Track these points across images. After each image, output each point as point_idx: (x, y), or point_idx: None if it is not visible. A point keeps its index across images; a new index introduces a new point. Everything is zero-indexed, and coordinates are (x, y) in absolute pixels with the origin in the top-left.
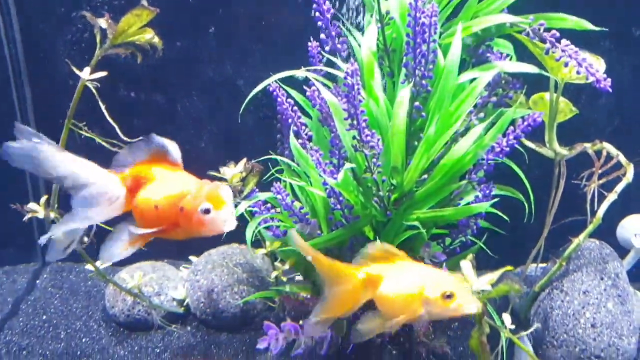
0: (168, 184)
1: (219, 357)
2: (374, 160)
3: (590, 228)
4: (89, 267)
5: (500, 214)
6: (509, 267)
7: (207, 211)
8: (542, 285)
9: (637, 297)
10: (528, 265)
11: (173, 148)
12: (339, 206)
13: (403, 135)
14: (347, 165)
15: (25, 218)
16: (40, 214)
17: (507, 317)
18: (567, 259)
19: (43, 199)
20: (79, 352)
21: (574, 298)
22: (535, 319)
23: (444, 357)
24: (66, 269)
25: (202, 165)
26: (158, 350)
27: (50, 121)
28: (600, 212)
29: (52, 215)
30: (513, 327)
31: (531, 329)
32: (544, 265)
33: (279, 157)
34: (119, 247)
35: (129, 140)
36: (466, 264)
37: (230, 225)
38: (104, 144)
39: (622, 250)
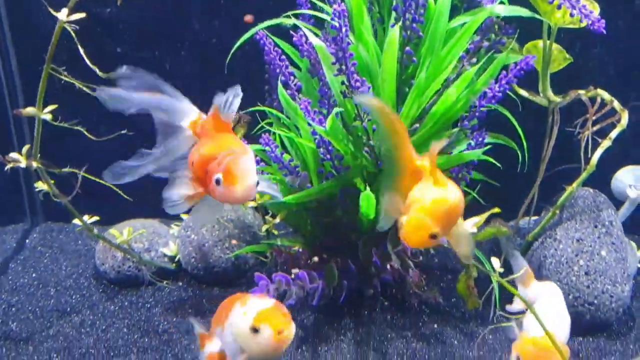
0: (207, 143)
1: (210, 311)
2: (364, 107)
3: (584, 175)
4: (76, 221)
5: (493, 161)
6: (496, 209)
7: (217, 181)
8: (535, 234)
9: (631, 247)
10: (521, 214)
11: (227, 106)
12: (328, 156)
13: (393, 80)
14: (336, 109)
15: (7, 168)
16: (22, 163)
17: (496, 261)
18: (560, 207)
19: (25, 148)
20: (68, 309)
21: (568, 246)
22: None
23: (436, 307)
24: (56, 229)
25: None
26: (149, 306)
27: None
28: (594, 159)
29: (35, 164)
30: (502, 270)
31: (521, 272)
32: (536, 218)
33: (267, 109)
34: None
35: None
36: None
37: (244, 198)
38: (84, 88)
39: (617, 202)
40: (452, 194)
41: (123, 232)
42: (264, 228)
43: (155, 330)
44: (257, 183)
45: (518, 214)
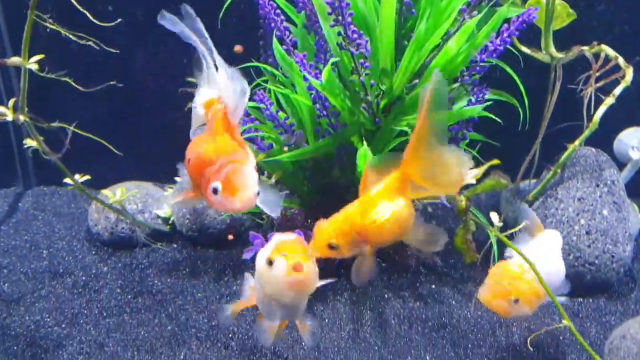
0: (209, 143)
1: (205, 272)
2: (361, 60)
3: (586, 133)
4: (67, 180)
5: (493, 117)
6: (495, 161)
7: (215, 191)
8: (536, 193)
9: (633, 209)
10: (521, 173)
11: (236, 103)
12: (325, 112)
13: (392, 33)
14: (332, 59)
15: None
16: (9, 116)
17: (494, 215)
18: (561, 166)
19: (11, 102)
20: (61, 270)
21: (569, 205)
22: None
23: (433, 268)
24: (49, 193)
25: (181, 74)
26: (142, 267)
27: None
28: (597, 116)
29: (22, 118)
30: (501, 224)
31: (520, 225)
32: (536, 181)
33: (262, 65)
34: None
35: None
36: None
37: (242, 209)
38: (70, 36)
39: (619, 165)
40: (381, 213)
41: (116, 192)
42: None
43: (149, 291)
44: (258, 193)
45: (518, 174)
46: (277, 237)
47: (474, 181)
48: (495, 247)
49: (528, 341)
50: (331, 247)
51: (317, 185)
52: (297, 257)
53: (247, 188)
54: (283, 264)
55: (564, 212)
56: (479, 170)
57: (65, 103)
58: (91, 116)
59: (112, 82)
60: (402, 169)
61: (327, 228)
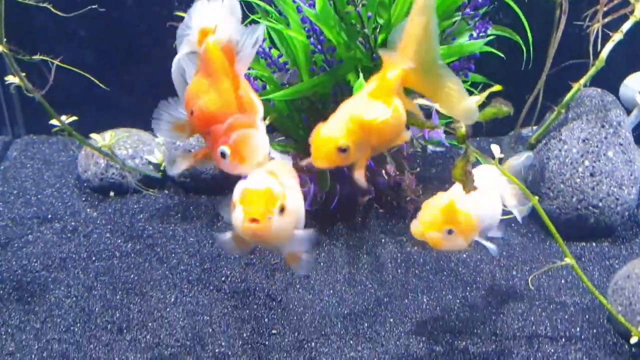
0: (211, 92)
1: (198, 217)
2: None
3: (592, 70)
4: (54, 122)
5: (496, 52)
6: (497, 87)
7: (223, 154)
8: (539, 135)
9: (639, 153)
10: (524, 113)
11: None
12: (319, 47)
13: None
14: None
15: None
16: None
17: (495, 147)
18: (566, 105)
19: None
20: (49, 216)
21: (573, 146)
22: (530, 172)
23: None
24: (38, 142)
25: (171, 10)
26: (133, 212)
27: None
28: (604, 53)
29: (1, 49)
30: (502, 156)
31: (524, 156)
32: (537, 127)
33: (254, 0)
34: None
35: None
36: None
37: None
38: None
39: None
40: (379, 111)
41: (105, 137)
42: None
43: (139, 235)
44: (269, 153)
45: (520, 117)
46: (251, 180)
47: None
48: None
49: (529, 281)
50: (341, 150)
51: (313, 128)
52: (258, 210)
53: (257, 154)
54: (240, 214)
55: (567, 153)
56: (480, 97)
57: (54, 51)
58: (80, 63)
59: (93, 6)
60: (398, 69)
61: (334, 129)
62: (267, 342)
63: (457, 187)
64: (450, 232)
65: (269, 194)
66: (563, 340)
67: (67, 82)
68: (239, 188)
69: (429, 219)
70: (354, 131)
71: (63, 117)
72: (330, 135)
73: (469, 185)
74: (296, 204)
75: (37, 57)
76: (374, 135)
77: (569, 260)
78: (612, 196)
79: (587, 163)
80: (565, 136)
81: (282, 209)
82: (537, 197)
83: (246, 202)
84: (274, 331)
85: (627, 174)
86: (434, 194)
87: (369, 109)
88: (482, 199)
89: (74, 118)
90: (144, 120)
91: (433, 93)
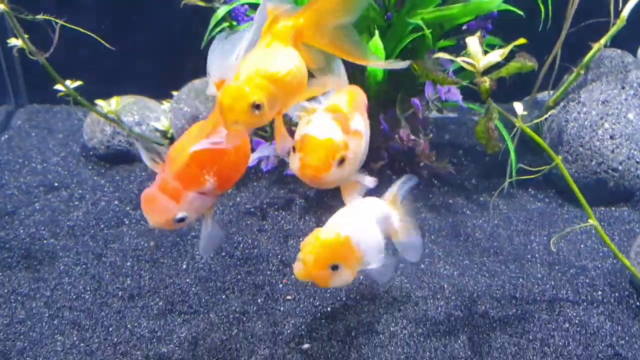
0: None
1: None
2: None
3: (613, 30)
4: (58, 86)
5: (515, 10)
6: (521, 40)
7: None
8: (557, 98)
9: None
10: (542, 75)
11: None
12: None
13: None
14: None
15: None
16: None
17: (518, 105)
18: (585, 66)
19: None
20: (56, 184)
21: (592, 109)
22: (548, 135)
23: (447, 179)
24: (42, 111)
25: None
26: (141, 179)
27: None
28: (626, 12)
29: (2, 7)
30: (525, 113)
31: (546, 115)
32: (553, 92)
33: None
34: None
35: None
36: (473, 40)
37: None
38: None
39: None
40: (287, 61)
41: (111, 102)
42: None
43: None
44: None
45: (537, 80)
46: (315, 124)
47: (499, 59)
48: (511, 147)
49: (551, 243)
50: (256, 107)
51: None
52: (316, 161)
53: None
54: (297, 161)
55: (586, 116)
56: (505, 50)
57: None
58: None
59: None
60: (290, 21)
61: (242, 86)
62: (282, 308)
63: (335, 217)
64: (335, 267)
65: (329, 144)
66: (585, 304)
67: (71, 49)
68: (300, 129)
69: (312, 258)
70: (264, 86)
71: (68, 82)
72: (240, 91)
73: (492, 143)
74: (358, 149)
75: (40, 16)
76: (285, 88)
77: (592, 221)
78: (633, 159)
79: (606, 125)
80: (584, 98)
81: (341, 160)
82: (560, 157)
83: (305, 149)
84: (288, 297)
85: None
86: (448, 159)
87: (274, 61)
88: (363, 227)
89: (79, 83)
90: (149, 88)
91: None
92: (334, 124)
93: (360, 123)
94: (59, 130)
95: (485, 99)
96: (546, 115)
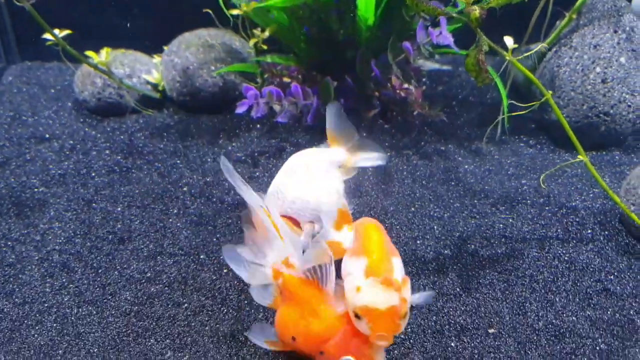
0: (310, 316)
1: (199, 135)
2: None
3: None
4: (47, 36)
5: None
6: None
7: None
8: (549, 42)
9: None
10: (533, 20)
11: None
12: None
13: None
14: None
15: None
16: None
17: (508, 38)
18: (577, 11)
19: None
20: (47, 136)
21: (584, 53)
22: (540, 81)
23: (440, 127)
24: (34, 68)
25: None
26: (133, 130)
27: None
28: None
29: None
30: (516, 46)
31: (536, 49)
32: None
33: None
34: None
35: None
36: None
37: None
38: None
39: None
40: None
41: (101, 53)
42: (252, 42)
43: (139, 152)
44: None
45: (531, 37)
46: (373, 297)
47: None
48: (501, 88)
49: (540, 180)
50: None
51: (315, 40)
52: (388, 329)
53: None
54: (367, 328)
55: (578, 60)
56: None
57: None
58: None
59: None
60: None
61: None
62: None
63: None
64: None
65: (394, 312)
66: (574, 241)
67: (62, 3)
68: (352, 290)
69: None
70: None
71: (56, 32)
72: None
73: (482, 75)
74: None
75: None
76: None
77: (581, 157)
78: (624, 103)
79: (598, 69)
80: (576, 43)
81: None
82: (550, 92)
83: (374, 320)
84: None
85: (639, 80)
86: (437, 108)
87: None
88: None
89: (67, 32)
90: (140, 44)
91: None
92: (390, 290)
93: (401, 270)
94: (50, 85)
95: (475, 27)
96: (536, 49)
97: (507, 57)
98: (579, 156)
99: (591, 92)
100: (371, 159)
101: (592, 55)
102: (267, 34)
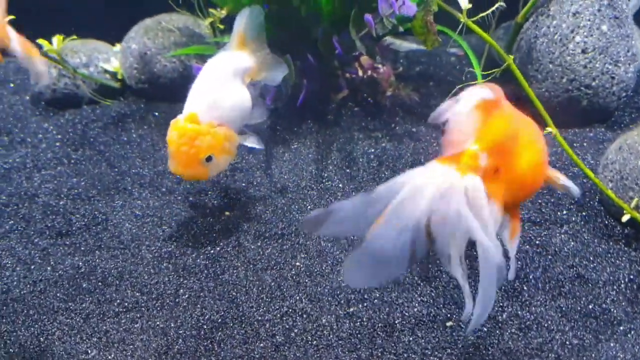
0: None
1: (157, 123)
2: None
3: None
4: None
5: None
6: None
7: None
8: (525, 12)
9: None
10: None
11: None
12: None
13: None
14: None
15: None
16: None
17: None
18: None
19: None
20: None
21: (562, 22)
22: (517, 55)
23: (411, 108)
24: None
25: None
26: (87, 122)
27: None
28: None
29: None
30: (470, 6)
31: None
32: None
33: None
34: None
35: None
36: None
37: None
38: None
39: None
40: None
41: (53, 41)
42: (208, 22)
43: (91, 143)
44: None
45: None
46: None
47: None
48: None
49: None
50: None
51: (275, 18)
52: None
53: None
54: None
55: (556, 29)
56: None
57: None
58: None
59: None
60: None
61: None
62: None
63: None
64: (209, 159)
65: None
66: (547, 223)
67: None
68: None
69: (181, 155)
70: None
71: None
72: None
73: (431, 37)
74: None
75: None
76: None
77: (550, 129)
78: (607, 74)
79: (578, 39)
80: (553, 11)
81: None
82: (511, 57)
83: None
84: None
85: (623, 49)
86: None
87: None
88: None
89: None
90: (106, 33)
91: None
92: None
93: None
94: (9, 81)
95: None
96: (495, 6)
97: (462, 19)
98: (547, 128)
99: (570, 63)
100: (276, 75)
101: (571, 24)
102: (224, 12)
